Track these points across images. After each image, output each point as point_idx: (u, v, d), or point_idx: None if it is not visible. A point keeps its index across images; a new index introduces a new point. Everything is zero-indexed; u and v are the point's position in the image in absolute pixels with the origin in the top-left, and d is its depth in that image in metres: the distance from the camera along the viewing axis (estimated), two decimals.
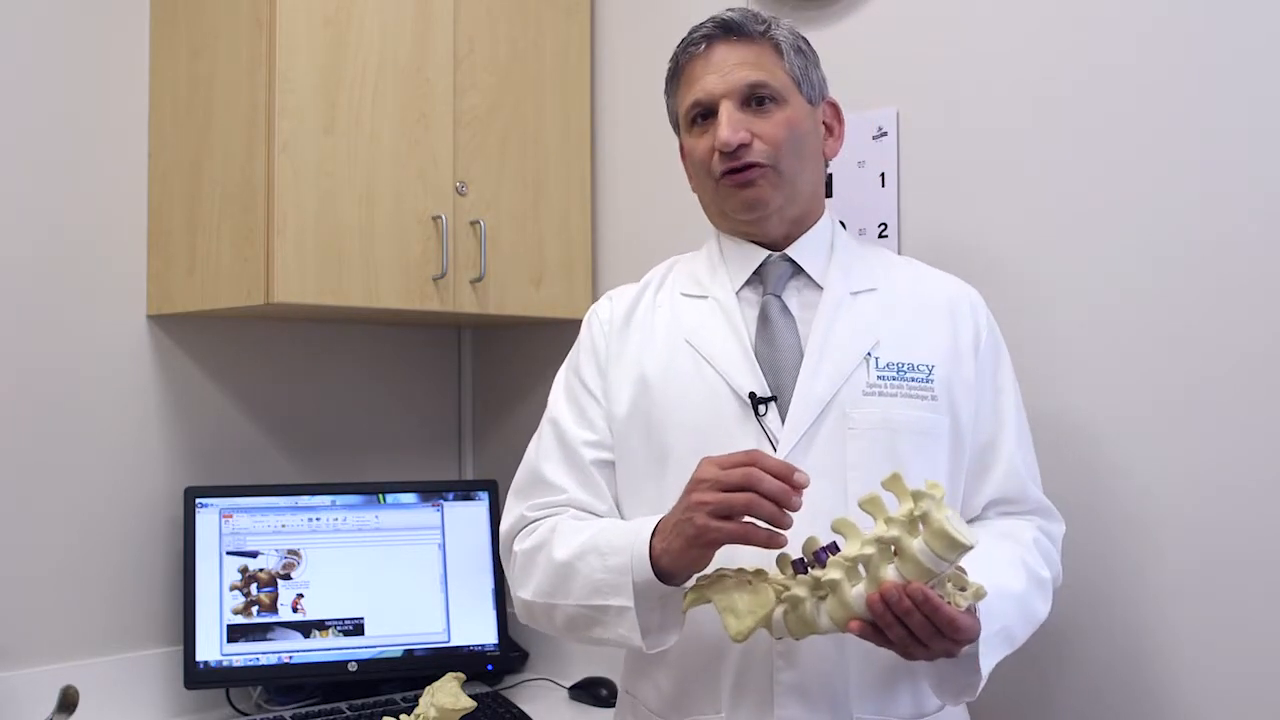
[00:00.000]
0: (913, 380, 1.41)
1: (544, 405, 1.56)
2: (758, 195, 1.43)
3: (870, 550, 1.18)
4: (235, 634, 2.00)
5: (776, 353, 1.42)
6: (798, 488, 1.20)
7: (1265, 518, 1.56)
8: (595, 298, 2.29)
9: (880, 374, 1.41)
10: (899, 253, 1.87)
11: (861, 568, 1.20)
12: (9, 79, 1.92)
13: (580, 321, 2.23)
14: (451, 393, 2.55)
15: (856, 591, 1.19)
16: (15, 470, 1.91)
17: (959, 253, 1.82)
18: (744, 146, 1.41)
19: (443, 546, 2.17)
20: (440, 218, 2.04)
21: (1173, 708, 1.62)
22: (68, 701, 1.68)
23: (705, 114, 1.45)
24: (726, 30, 1.45)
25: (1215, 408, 1.60)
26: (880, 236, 1.90)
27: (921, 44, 1.89)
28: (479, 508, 2.22)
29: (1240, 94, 1.60)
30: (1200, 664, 1.59)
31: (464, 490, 2.23)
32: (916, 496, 1.15)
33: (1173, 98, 1.65)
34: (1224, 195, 1.60)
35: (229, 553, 2.03)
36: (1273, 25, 1.57)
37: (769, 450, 1.35)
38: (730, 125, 1.41)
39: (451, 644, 2.13)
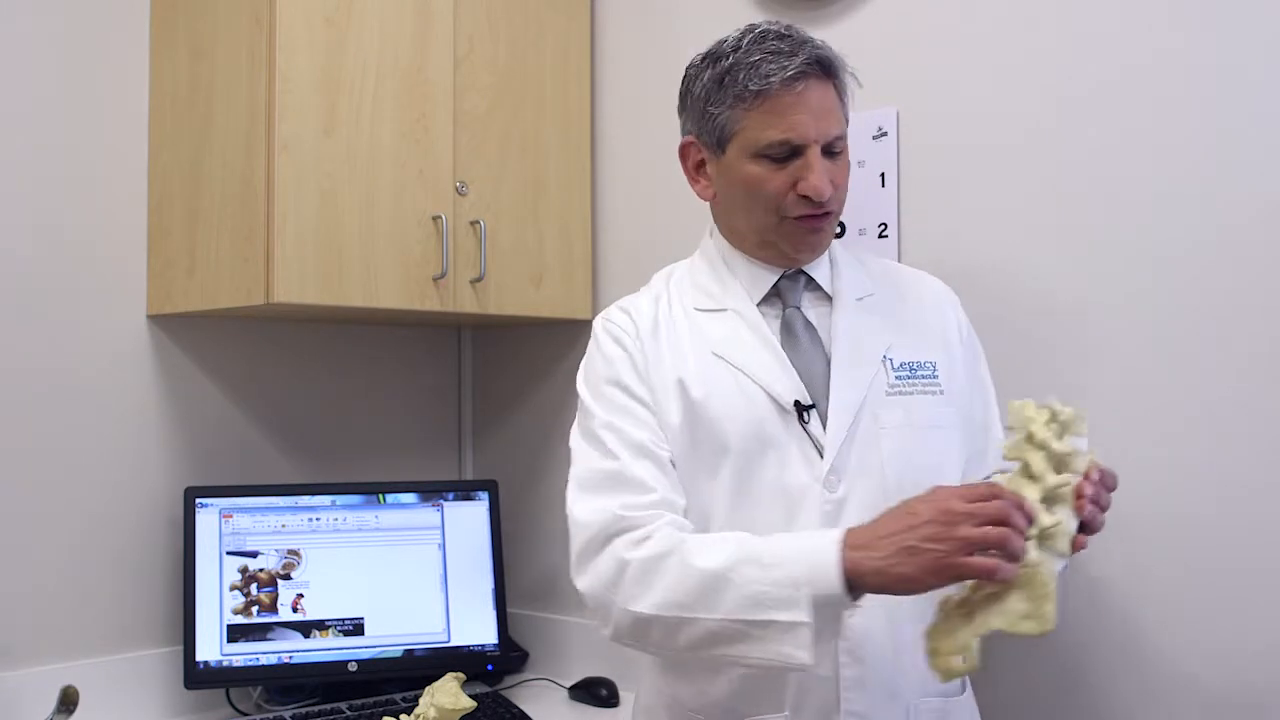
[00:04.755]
0: (923, 377, 1.49)
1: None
2: (822, 240, 1.49)
3: (1061, 483, 1.23)
4: (235, 634, 2.00)
5: (806, 362, 1.46)
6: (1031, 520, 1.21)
7: (1245, 516, 1.57)
8: (595, 298, 2.29)
9: (898, 374, 1.48)
10: (899, 253, 1.88)
11: (1051, 509, 1.24)
12: (9, 79, 1.92)
13: (581, 322, 2.26)
14: (451, 393, 2.55)
15: (1067, 515, 1.23)
16: (15, 470, 1.90)
17: (959, 253, 1.82)
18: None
19: (443, 546, 2.17)
20: (440, 218, 2.03)
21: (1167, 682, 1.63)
22: (68, 701, 1.68)
23: (791, 153, 1.42)
24: (822, 69, 1.42)
25: (1214, 407, 1.61)
26: (880, 237, 1.90)
27: (922, 44, 1.89)
28: (479, 508, 2.22)
29: (1244, 98, 1.60)
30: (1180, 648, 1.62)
31: (464, 490, 2.23)
32: (1053, 412, 1.27)
33: (1173, 99, 1.65)
34: (1226, 194, 1.60)
35: (229, 553, 2.03)
36: (1276, 31, 1.57)
37: (815, 454, 1.42)
38: (823, 176, 1.41)
39: (451, 644, 2.13)
